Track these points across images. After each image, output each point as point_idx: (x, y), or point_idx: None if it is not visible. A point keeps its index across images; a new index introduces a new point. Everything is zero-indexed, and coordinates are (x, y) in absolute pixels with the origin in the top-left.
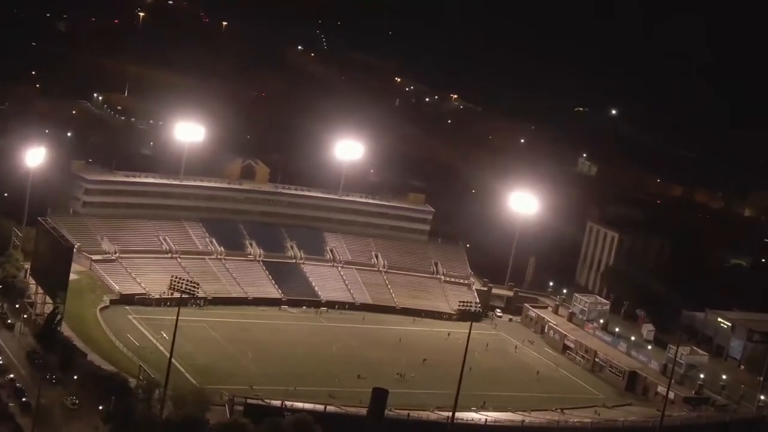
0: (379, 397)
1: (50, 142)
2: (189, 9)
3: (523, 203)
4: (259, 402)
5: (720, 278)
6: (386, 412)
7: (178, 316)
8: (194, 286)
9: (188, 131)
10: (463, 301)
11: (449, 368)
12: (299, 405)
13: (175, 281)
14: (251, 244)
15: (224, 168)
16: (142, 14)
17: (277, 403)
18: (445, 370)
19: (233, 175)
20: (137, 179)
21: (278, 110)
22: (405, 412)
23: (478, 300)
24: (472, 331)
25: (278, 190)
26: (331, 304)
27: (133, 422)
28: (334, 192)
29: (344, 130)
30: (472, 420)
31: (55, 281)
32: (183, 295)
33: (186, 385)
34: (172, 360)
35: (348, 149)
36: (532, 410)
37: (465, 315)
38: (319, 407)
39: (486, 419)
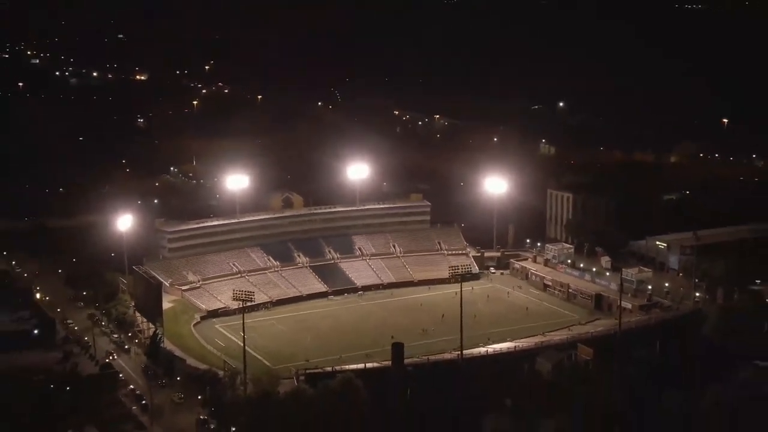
0: (398, 349)
1: (141, 209)
2: (234, 91)
3: (496, 185)
4: (317, 370)
5: (657, 212)
6: (413, 359)
7: (243, 318)
8: (251, 294)
9: (237, 181)
10: (452, 266)
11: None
12: (346, 367)
13: (236, 292)
14: (299, 256)
15: (269, 202)
16: (195, 102)
17: (329, 369)
18: (457, 321)
19: (276, 206)
20: (205, 224)
21: (305, 152)
22: (425, 357)
23: (474, 263)
24: (474, 287)
25: (312, 211)
26: (366, 288)
27: (224, 403)
28: (353, 204)
29: (354, 155)
30: (479, 353)
31: (153, 311)
32: (244, 302)
33: (261, 368)
34: (252, 351)
35: (357, 170)
36: (523, 338)
37: (458, 276)
38: (360, 366)
39: (487, 351)
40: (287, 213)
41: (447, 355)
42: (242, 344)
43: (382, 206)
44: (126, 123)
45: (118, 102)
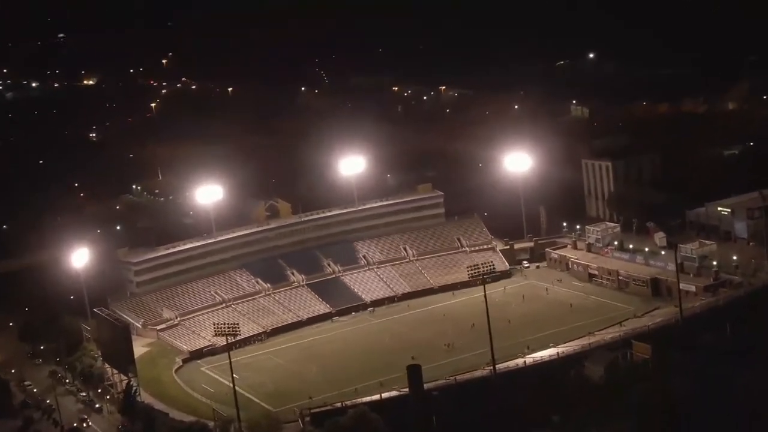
0: (414, 373)
1: (102, 239)
2: (202, 87)
3: (519, 162)
4: (324, 408)
5: (717, 171)
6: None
7: (229, 356)
8: (236, 327)
9: (208, 193)
10: (471, 266)
11: (495, 324)
12: (359, 400)
13: (218, 326)
14: (293, 273)
15: (251, 214)
16: (154, 105)
17: (338, 404)
18: (492, 328)
19: (260, 217)
20: (177, 248)
21: (290, 150)
22: (452, 378)
23: (503, 258)
24: (507, 286)
25: (302, 219)
26: (377, 303)
27: None
28: (351, 205)
29: (348, 148)
30: (516, 365)
31: (122, 359)
32: (230, 337)
33: (258, 412)
34: (246, 393)
35: (351, 164)
36: (568, 341)
37: (480, 278)
38: (376, 397)
39: (525, 361)
40: (273, 224)
41: (478, 372)
42: (242, 390)
43: (385, 203)
44: (76, 138)
45: (65, 114)
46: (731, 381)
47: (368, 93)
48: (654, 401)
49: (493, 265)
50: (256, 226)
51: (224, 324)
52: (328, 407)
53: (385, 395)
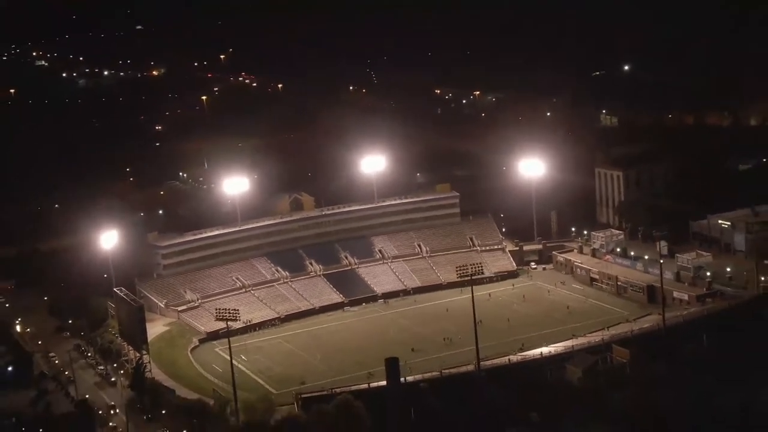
0: (392, 365)
1: (143, 223)
2: (260, 82)
3: (532, 168)
4: (313, 393)
5: (727, 184)
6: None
7: (229, 342)
8: (235, 313)
9: (235, 184)
10: (460, 266)
11: (495, 323)
12: (346, 388)
13: (220, 312)
14: (311, 263)
15: (276, 206)
16: (204, 98)
17: (326, 391)
18: (492, 326)
19: (284, 209)
20: (203, 235)
21: (325, 146)
22: (439, 371)
23: (511, 259)
24: (515, 284)
25: (324, 213)
26: (388, 295)
27: None
28: (370, 202)
29: (373, 146)
30: (502, 363)
31: (137, 336)
32: (228, 322)
33: (257, 395)
34: (252, 375)
35: (372, 163)
36: (562, 341)
37: (468, 278)
38: (364, 386)
39: (509, 359)
40: (296, 216)
41: (465, 368)
42: (241, 368)
43: (403, 201)
44: (139, 127)
45: (131, 103)
46: (715, 396)
47: (412, 94)
48: (638, 411)
49: (482, 267)
50: (279, 217)
51: (225, 310)
52: (318, 393)
53: (374, 384)
